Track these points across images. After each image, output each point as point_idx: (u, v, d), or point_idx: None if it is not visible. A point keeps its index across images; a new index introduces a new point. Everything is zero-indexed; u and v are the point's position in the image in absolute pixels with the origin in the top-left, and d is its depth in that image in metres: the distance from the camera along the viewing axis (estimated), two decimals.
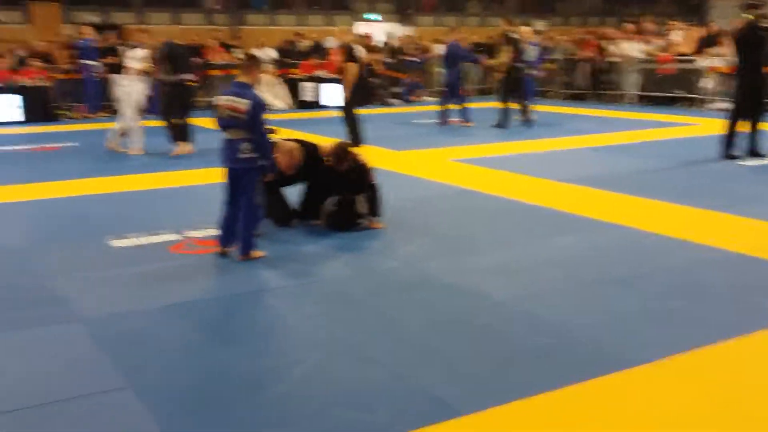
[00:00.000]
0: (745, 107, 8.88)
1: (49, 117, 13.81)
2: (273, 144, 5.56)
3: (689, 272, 4.79)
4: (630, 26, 17.66)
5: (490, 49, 16.22)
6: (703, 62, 14.89)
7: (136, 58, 9.75)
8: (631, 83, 16.44)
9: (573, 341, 3.71)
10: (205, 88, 15.08)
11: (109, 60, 14.61)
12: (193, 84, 9.62)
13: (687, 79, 15.37)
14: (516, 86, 12.53)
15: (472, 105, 13.34)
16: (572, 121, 13.62)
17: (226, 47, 16.95)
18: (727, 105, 10.43)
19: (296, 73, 16.92)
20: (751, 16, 8.76)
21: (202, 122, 9.28)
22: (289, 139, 5.99)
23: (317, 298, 4.38)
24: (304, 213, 6.05)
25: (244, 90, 4.97)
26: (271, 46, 17.53)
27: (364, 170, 5.84)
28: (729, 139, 8.95)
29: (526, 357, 3.53)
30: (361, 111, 10.62)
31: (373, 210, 5.89)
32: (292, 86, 16.56)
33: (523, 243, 5.53)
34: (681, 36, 16.10)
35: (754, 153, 8.97)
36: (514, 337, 3.79)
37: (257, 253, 5.09)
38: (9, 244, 5.55)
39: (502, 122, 12.39)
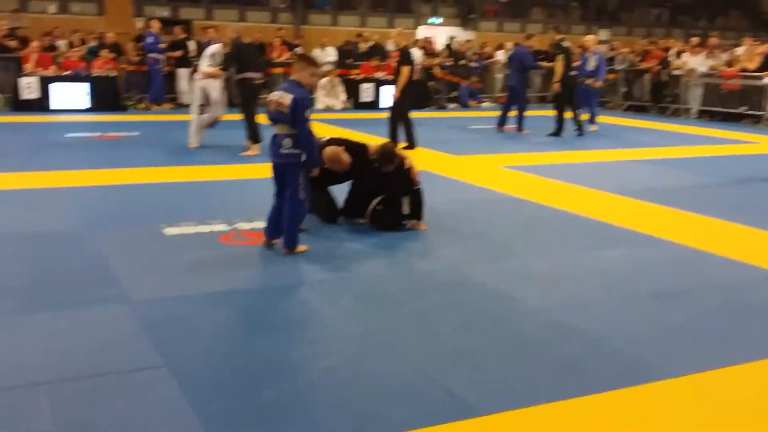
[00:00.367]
0: None
1: (117, 107, 14.30)
2: (318, 141, 5.69)
3: (735, 291, 4.72)
4: (695, 39, 17.30)
5: (551, 57, 16.12)
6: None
7: (208, 55, 9.81)
8: (694, 98, 16.11)
9: (605, 352, 3.72)
10: (268, 86, 15.38)
11: (175, 54, 15.12)
12: (258, 82, 9.74)
13: (753, 95, 14.99)
14: (569, 95, 12.45)
15: (532, 113, 13.29)
16: (630, 133, 13.44)
17: (289, 46, 17.26)
18: None
19: (356, 74, 17.13)
20: None
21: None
22: (335, 139, 6.10)
23: (354, 294, 4.48)
24: (349, 211, 6.17)
25: (292, 86, 5.11)
26: (332, 46, 17.78)
27: (410, 172, 5.92)
28: None
29: (554, 364, 3.56)
30: (416, 114, 10.70)
31: (416, 212, 5.97)
32: (352, 87, 16.77)
33: (566, 253, 5.53)
34: (745, 51, 15.69)
35: None
36: (545, 344, 3.81)
37: (301, 247, 5.23)
38: (68, 227, 5.81)
39: (557, 131, 12.32)
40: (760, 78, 14.81)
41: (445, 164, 9.26)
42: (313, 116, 5.21)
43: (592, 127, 13.32)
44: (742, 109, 15.16)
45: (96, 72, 14.43)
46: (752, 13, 27.90)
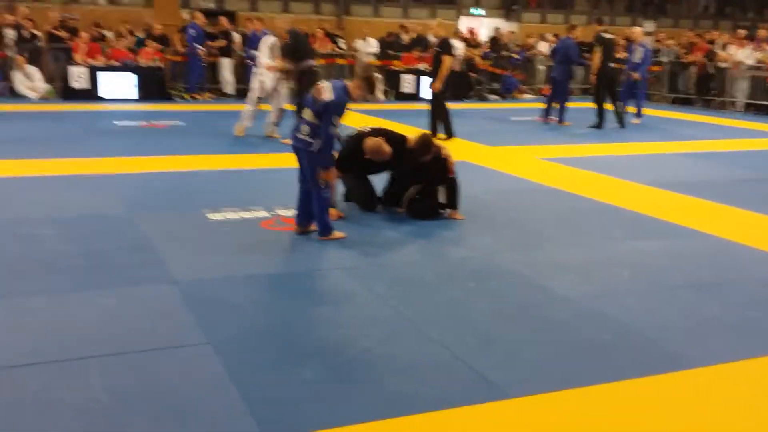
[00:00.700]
0: None
1: (163, 96, 14.62)
2: (360, 131, 5.80)
3: None
4: (742, 32, 16.97)
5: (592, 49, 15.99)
6: None
7: (266, 48, 9.81)
8: (740, 91, 15.83)
9: (636, 340, 3.78)
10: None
11: (216, 44, 15.39)
12: (315, 70, 9.84)
13: None
14: (609, 87, 12.37)
15: (575, 105, 13.22)
16: (674, 125, 13.29)
17: (331, 37, 17.41)
18: None
19: (398, 66, 17.21)
20: None
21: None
22: (377, 130, 6.20)
23: (389, 280, 4.61)
24: (387, 200, 6.29)
25: (339, 89, 5.18)
26: (374, 37, 17.88)
27: (446, 162, 6.01)
28: None
29: (585, 351, 3.63)
30: (456, 105, 10.75)
31: (451, 201, 6.07)
32: (394, 78, 16.86)
33: (601, 243, 5.57)
34: None
35: None
36: (576, 331, 3.88)
37: (337, 233, 5.36)
38: (117, 211, 6.04)
39: (598, 123, 12.25)
40: None
41: (482, 155, 9.31)
42: (352, 106, 5.33)
43: (636, 120, 13.20)
44: None
45: (143, 62, 14.77)
46: None
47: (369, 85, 5.34)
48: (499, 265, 4.93)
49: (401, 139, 6.19)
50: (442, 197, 6.05)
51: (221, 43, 15.46)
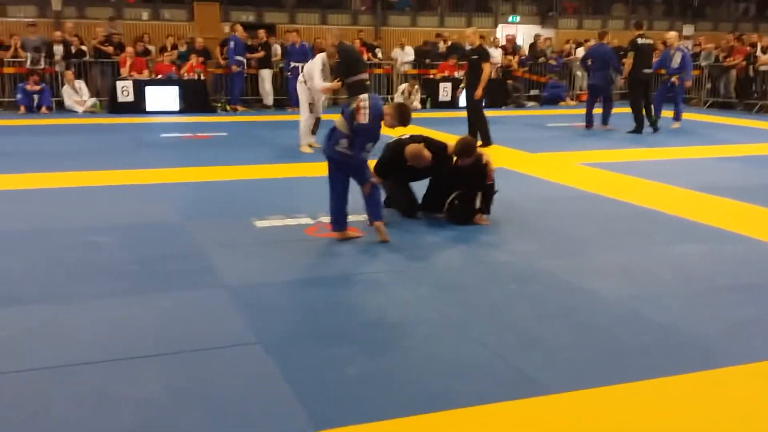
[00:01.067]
0: None
1: (206, 108, 14.96)
2: (400, 139, 5.93)
3: None
4: None
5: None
6: None
7: (317, 69, 9.50)
8: None
9: (677, 341, 3.83)
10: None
11: (255, 55, 15.72)
12: (367, 82, 9.96)
13: None
14: (644, 92, 12.34)
15: (615, 111, 13.20)
16: (714, 129, 13.18)
17: (368, 47, 17.63)
18: None
19: (435, 74, 17.35)
20: None
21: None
22: (416, 137, 6.32)
23: (432, 283, 4.73)
24: (427, 206, 6.41)
25: (375, 113, 5.33)
26: (411, 46, 18.04)
27: (486, 167, 6.12)
28: None
29: (625, 351, 3.70)
30: (494, 113, 10.84)
31: (484, 206, 6.17)
32: (431, 86, 17.00)
33: (641, 247, 5.61)
34: None
35: None
36: (617, 333, 3.95)
37: (383, 229, 5.58)
38: (168, 219, 6.27)
39: (637, 128, 12.23)
40: None
41: (522, 161, 9.38)
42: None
43: (675, 125, 13.12)
44: None
45: (185, 75, 15.13)
46: None
47: (401, 116, 5.53)
48: (540, 270, 5.01)
49: (442, 145, 6.31)
50: (477, 202, 6.16)
51: (259, 54, 15.79)
